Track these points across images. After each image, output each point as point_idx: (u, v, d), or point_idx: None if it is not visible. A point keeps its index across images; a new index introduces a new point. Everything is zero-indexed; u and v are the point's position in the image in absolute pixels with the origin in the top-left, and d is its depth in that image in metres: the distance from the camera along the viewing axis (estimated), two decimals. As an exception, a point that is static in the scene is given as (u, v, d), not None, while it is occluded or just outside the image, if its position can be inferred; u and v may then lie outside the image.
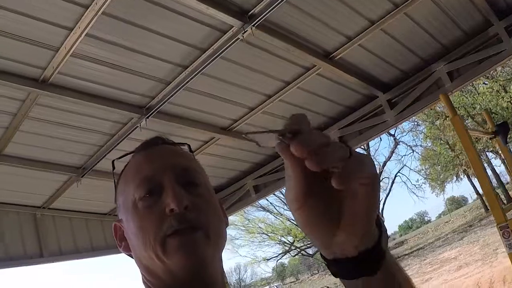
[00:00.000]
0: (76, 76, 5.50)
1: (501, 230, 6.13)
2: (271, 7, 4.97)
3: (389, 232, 51.13)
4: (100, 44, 5.08)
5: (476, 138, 37.85)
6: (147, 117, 6.31)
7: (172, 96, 6.08)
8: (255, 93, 6.84)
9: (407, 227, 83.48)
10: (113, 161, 1.45)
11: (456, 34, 6.77)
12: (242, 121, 7.44)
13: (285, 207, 47.11)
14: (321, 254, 0.95)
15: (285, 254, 48.80)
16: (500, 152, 36.94)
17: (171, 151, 1.41)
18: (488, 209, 43.35)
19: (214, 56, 5.51)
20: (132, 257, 1.30)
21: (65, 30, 4.76)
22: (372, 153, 44.26)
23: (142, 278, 1.30)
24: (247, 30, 5.13)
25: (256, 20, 5.08)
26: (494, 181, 46.52)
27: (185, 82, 5.87)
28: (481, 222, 38.54)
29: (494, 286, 18.64)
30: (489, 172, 48.29)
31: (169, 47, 5.41)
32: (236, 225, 46.76)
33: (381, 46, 6.55)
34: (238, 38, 5.27)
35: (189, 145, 1.50)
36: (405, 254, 41.76)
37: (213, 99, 6.67)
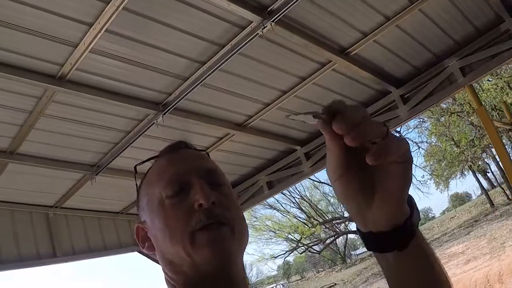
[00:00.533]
0: (94, 73, 5.48)
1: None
2: (291, 3, 4.97)
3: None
4: (118, 40, 5.07)
5: (481, 135, 37.93)
6: (164, 114, 6.30)
7: (189, 92, 6.07)
8: (271, 88, 6.84)
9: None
10: (135, 166, 1.48)
11: (468, 30, 6.80)
12: (257, 117, 7.44)
13: (292, 205, 47.24)
14: (357, 228, 1.05)
15: (292, 251, 48.88)
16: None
17: (195, 154, 1.46)
18: (494, 204, 43.48)
19: (233, 52, 5.51)
20: (152, 259, 1.38)
21: (85, 26, 4.74)
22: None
23: (165, 277, 1.33)
24: (266, 26, 5.13)
25: (276, 16, 5.08)
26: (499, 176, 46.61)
27: (202, 78, 5.86)
28: (487, 217, 38.52)
29: (503, 279, 18.64)
30: (494, 168, 48.32)
31: (187, 43, 5.40)
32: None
33: (395, 42, 6.57)
34: (257, 34, 5.27)
35: (208, 153, 1.53)
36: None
37: (229, 95, 6.66)
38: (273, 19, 5.09)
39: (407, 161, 0.93)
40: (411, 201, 1.03)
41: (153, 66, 5.66)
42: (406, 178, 0.95)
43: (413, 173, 0.99)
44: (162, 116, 6.31)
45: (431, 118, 39.86)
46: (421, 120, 41.39)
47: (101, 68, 5.44)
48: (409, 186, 0.98)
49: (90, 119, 6.36)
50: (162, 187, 1.30)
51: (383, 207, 0.97)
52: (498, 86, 33.63)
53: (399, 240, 1.00)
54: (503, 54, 6.70)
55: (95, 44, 4.94)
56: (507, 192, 42.70)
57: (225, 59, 5.60)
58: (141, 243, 1.38)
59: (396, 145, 0.90)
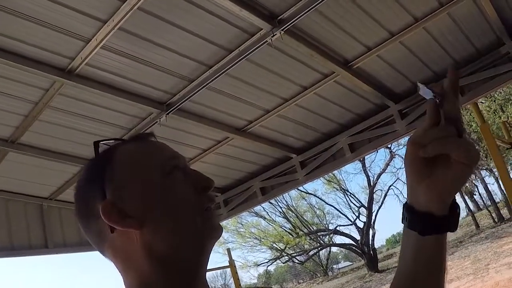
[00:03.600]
0: (102, 68, 5.56)
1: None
2: (301, 14, 5.09)
3: (377, 245, 51.29)
4: (130, 38, 5.15)
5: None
6: (168, 113, 6.39)
7: (194, 94, 6.17)
8: (273, 95, 6.93)
9: (395, 241, 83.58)
10: (97, 142, 1.33)
11: (469, 51, 6.92)
12: (257, 123, 7.52)
13: (278, 213, 47.23)
14: (406, 208, 1.19)
15: (275, 260, 48.84)
16: (494, 170, 37.17)
17: None
18: (479, 226, 43.68)
19: (240, 58, 5.61)
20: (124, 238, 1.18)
21: (99, 22, 4.83)
22: (367, 164, 44.38)
23: (137, 262, 1.19)
24: (275, 34, 5.24)
25: (286, 25, 5.19)
26: (486, 199, 46.77)
27: (208, 81, 5.96)
28: (472, 239, 38.67)
29: (486, 300, 18.78)
30: (482, 190, 48.54)
31: (196, 45, 5.49)
32: (228, 228, 46.86)
33: (397, 58, 6.68)
34: (266, 41, 5.38)
35: None
36: (395, 266, 41.62)
37: (231, 99, 6.75)
38: (282, 27, 5.20)
39: (470, 166, 1.05)
40: (456, 206, 1.17)
41: (161, 66, 5.74)
42: (462, 179, 1.08)
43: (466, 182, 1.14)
44: (166, 116, 6.39)
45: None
46: (413, 138, 41.54)
47: (110, 65, 5.53)
48: (461, 187, 1.14)
49: (94, 114, 6.44)
50: (167, 158, 1.27)
51: (431, 192, 1.11)
52: (491, 108, 33.86)
53: (445, 226, 1.17)
54: (502, 76, 6.82)
55: (106, 40, 5.03)
56: (493, 214, 42.97)
57: (232, 64, 5.70)
58: (117, 219, 1.17)
59: (468, 147, 1.04)
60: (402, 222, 1.21)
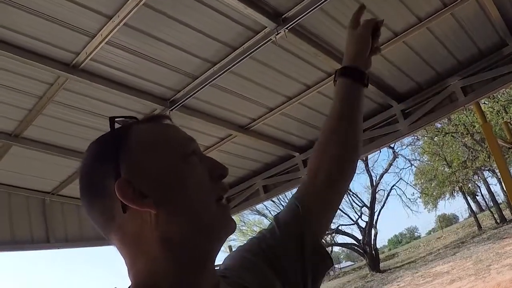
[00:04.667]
0: (107, 64, 5.58)
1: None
2: (305, 12, 5.11)
3: (379, 245, 51.20)
4: (135, 34, 5.17)
5: (474, 157, 38.09)
6: (171, 110, 6.41)
7: (198, 91, 6.20)
8: (276, 94, 6.95)
9: (397, 241, 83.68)
10: (113, 118, 1.27)
11: (472, 51, 6.93)
12: (260, 121, 7.54)
13: (280, 212, 47.20)
14: (341, 68, 1.90)
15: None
16: (496, 170, 37.16)
17: None
18: (482, 227, 43.66)
19: (244, 55, 5.63)
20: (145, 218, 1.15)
21: (104, 18, 4.84)
22: (370, 164, 44.37)
23: (145, 247, 1.18)
24: (280, 32, 5.25)
25: (290, 24, 5.21)
26: (489, 199, 46.73)
27: (212, 79, 5.99)
28: (474, 239, 38.65)
29: (488, 300, 18.79)
30: (484, 191, 48.51)
31: (201, 42, 5.51)
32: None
33: (400, 58, 6.70)
34: (270, 39, 5.40)
35: None
36: (397, 267, 41.80)
37: (235, 97, 6.77)
38: (287, 26, 5.21)
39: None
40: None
41: (165, 63, 5.76)
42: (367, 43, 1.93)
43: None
44: (169, 112, 6.41)
45: (425, 136, 40.03)
46: (415, 138, 41.57)
47: (115, 60, 5.54)
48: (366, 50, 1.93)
49: (98, 109, 6.44)
50: (185, 142, 1.26)
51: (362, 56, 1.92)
52: (494, 109, 33.83)
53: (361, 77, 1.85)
54: (504, 77, 6.83)
55: (112, 36, 5.04)
56: (496, 215, 42.96)
57: (236, 61, 5.72)
58: (133, 197, 1.15)
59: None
60: (335, 80, 1.89)
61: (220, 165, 1.28)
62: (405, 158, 49.27)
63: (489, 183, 48.12)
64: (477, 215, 47.83)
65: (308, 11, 5.09)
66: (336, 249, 58.57)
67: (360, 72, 1.83)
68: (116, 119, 1.28)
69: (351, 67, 1.84)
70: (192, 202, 1.19)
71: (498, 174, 38.54)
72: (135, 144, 1.21)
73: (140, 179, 1.17)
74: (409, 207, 61.87)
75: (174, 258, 1.17)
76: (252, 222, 48.82)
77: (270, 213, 46.99)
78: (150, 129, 1.27)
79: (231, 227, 1.26)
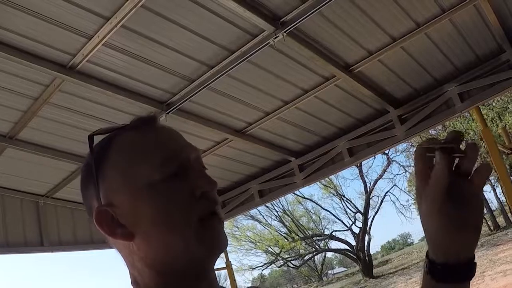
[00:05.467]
0: (103, 66, 5.55)
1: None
2: (304, 16, 5.10)
3: (372, 251, 51.30)
4: (132, 36, 5.15)
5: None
6: (167, 113, 6.37)
7: (194, 94, 6.17)
8: (273, 98, 6.94)
9: (390, 247, 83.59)
10: (91, 135, 1.24)
11: (470, 58, 6.94)
12: (256, 125, 7.53)
13: (274, 217, 47.21)
14: (428, 258, 1.12)
15: (270, 264, 48.73)
16: (489, 178, 37.24)
17: (179, 133, 1.28)
18: (475, 235, 43.68)
19: (242, 59, 5.62)
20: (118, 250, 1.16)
21: (102, 19, 4.82)
22: (364, 170, 44.26)
23: (137, 270, 1.17)
24: (278, 36, 5.24)
25: (288, 27, 5.19)
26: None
27: (209, 82, 5.97)
28: (467, 247, 38.58)
29: (482, 307, 18.77)
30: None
31: (198, 45, 5.49)
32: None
33: (398, 63, 6.70)
34: (268, 43, 5.39)
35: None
36: (390, 273, 41.75)
37: (232, 101, 6.75)
38: (285, 30, 5.20)
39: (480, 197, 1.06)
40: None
41: (162, 65, 5.74)
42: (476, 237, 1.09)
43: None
44: (165, 115, 6.37)
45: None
46: (410, 144, 41.58)
47: (111, 62, 5.51)
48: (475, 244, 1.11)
49: (93, 112, 6.42)
50: (156, 166, 1.13)
51: (459, 239, 1.06)
52: (488, 116, 33.88)
53: (465, 275, 1.10)
54: (501, 84, 6.84)
55: (109, 38, 5.02)
56: (489, 222, 42.99)
57: (233, 65, 5.71)
58: (108, 229, 1.13)
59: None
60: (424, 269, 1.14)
61: (205, 181, 1.16)
62: (399, 164, 49.06)
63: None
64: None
65: (307, 15, 5.08)
66: (329, 254, 58.31)
67: (451, 269, 1.09)
68: (95, 134, 1.24)
69: (437, 262, 1.10)
70: (164, 231, 1.11)
71: (492, 181, 38.71)
72: (111, 167, 1.16)
73: (115, 204, 1.14)
74: (402, 214, 61.76)
75: (162, 282, 1.14)
76: (245, 227, 48.68)
77: (264, 218, 46.92)
78: (129, 141, 1.19)
79: (217, 246, 1.16)
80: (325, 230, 49.32)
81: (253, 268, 49.11)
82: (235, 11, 4.86)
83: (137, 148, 1.17)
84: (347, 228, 46.19)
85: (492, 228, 42.24)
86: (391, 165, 44.06)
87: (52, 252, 8.90)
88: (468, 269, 1.09)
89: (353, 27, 5.71)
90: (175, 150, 1.18)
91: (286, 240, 46.34)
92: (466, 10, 5.81)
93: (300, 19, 5.13)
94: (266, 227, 47.45)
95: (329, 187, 46.06)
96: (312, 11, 5.03)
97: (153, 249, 1.12)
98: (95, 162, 1.17)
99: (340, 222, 47.50)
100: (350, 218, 46.52)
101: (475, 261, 1.09)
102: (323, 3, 4.97)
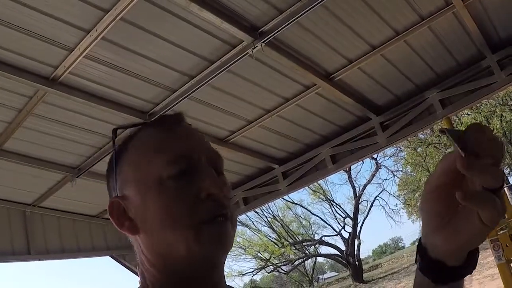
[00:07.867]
0: (85, 77, 5.59)
1: (491, 243, 7.01)
2: (282, 26, 5.17)
3: (362, 256, 51.33)
4: (112, 48, 5.20)
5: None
6: (150, 123, 6.39)
7: (176, 104, 6.21)
8: (255, 107, 7.00)
9: (381, 252, 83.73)
10: (116, 129, 1.29)
11: (450, 64, 7.01)
12: (239, 133, 7.57)
13: (263, 223, 47.19)
14: (419, 252, 1.09)
15: (260, 270, 48.64)
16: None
17: (200, 133, 1.32)
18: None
19: (222, 69, 5.68)
20: (126, 266, 1.18)
21: (82, 32, 4.87)
22: (353, 175, 44.32)
23: (143, 264, 1.21)
24: (256, 46, 5.31)
25: (267, 38, 5.26)
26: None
27: (190, 92, 6.02)
28: (457, 251, 38.66)
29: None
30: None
31: (179, 56, 5.55)
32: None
33: (378, 71, 6.77)
34: (247, 53, 5.44)
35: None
36: (380, 277, 41.81)
37: (213, 110, 6.80)
38: (263, 40, 5.26)
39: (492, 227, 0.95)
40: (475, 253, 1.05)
41: (144, 76, 5.79)
42: (482, 235, 0.98)
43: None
44: (149, 125, 6.38)
45: (408, 148, 40.12)
46: (398, 149, 41.65)
47: (93, 74, 5.56)
48: (480, 243, 1.02)
49: (77, 122, 6.46)
50: (165, 163, 1.16)
51: (455, 243, 1.00)
52: (476, 120, 34.03)
53: (459, 275, 1.05)
54: (482, 90, 6.92)
55: (90, 50, 5.07)
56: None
57: (214, 75, 5.77)
58: (117, 221, 1.18)
59: (498, 207, 0.91)
60: (416, 261, 1.11)
61: (211, 184, 1.15)
62: (387, 169, 49.10)
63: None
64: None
65: (285, 25, 5.16)
66: (319, 259, 58.29)
67: (448, 270, 1.04)
68: (119, 129, 1.30)
69: (433, 259, 1.05)
70: (164, 226, 1.13)
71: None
72: (127, 161, 1.22)
73: (127, 199, 1.19)
74: (392, 218, 61.84)
75: (165, 280, 1.16)
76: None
77: (253, 224, 46.87)
78: (144, 141, 1.23)
79: (218, 250, 1.15)
80: (315, 235, 49.27)
81: (243, 274, 49.07)
82: (213, 22, 4.92)
83: (151, 144, 1.21)
84: (337, 233, 46.22)
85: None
86: (379, 170, 44.11)
87: (39, 260, 8.90)
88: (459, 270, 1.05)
89: (332, 36, 5.78)
90: (187, 149, 1.20)
91: (276, 245, 46.29)
92: (445, 18, 5.89)
93: (278, 29, 5.20)
94: (255, 232, 47.39)
95: (318, 192, 46.08)
96: (289, 21, 5.11)
97: (155, 246, 1.16)
98: (115, 155, 1.24)
99: (330, 227, 47.48)
100: (339, 223, 46.55)
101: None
102: (301, 14, 5.03)
